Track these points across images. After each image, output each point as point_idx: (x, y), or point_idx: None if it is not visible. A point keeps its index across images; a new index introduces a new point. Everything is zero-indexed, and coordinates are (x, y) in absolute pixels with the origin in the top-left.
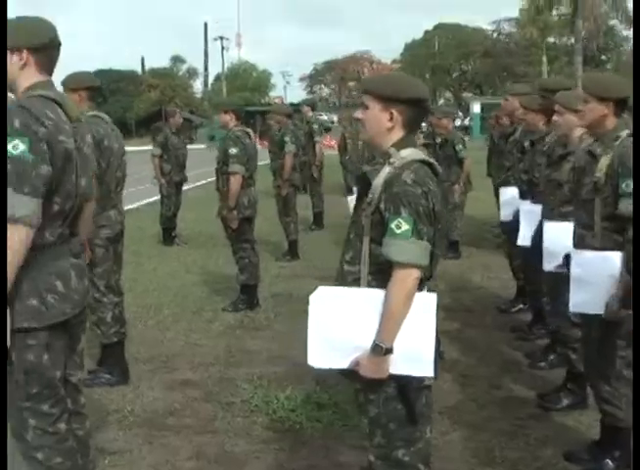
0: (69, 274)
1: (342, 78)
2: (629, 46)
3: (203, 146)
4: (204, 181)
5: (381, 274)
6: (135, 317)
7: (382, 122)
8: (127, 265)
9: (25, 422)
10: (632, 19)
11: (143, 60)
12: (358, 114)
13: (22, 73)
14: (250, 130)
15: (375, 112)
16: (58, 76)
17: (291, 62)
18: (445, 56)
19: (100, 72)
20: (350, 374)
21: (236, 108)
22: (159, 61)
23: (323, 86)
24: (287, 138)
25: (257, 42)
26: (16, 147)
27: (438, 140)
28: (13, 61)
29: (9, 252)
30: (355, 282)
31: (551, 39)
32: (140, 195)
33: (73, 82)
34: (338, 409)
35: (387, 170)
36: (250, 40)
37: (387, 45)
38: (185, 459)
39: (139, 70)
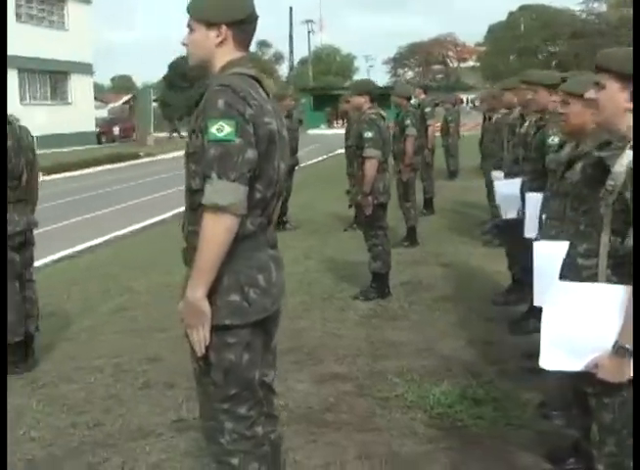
0: (269, 266)
1: (427, 61)
2: None
3: None
4: (302, 165)
5: (621, 269)
6: None
7: (619, 103)
8: None
9: (221, 425)
10: (632, 18)
11: None
12: (591, 93)
13: (220, 51)
14: (383, 113)
15: (611, 92)
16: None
17: (374, 45)
18: (531, 37)
19: (184, 58)
20: (581, 378)
21: (370, 89)
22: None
23: (407, 69)
24: (408, 121)
25: (341, 26)
26: (220, 129)
27: None
28: (210, 37)
29: (213, 243)
30: (592, 277)
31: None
32: None
33: None
34: (498, 406)
35: (629, 155)
36: (333, 24)
37: (470, 28)
38: (353, 458)
39: None
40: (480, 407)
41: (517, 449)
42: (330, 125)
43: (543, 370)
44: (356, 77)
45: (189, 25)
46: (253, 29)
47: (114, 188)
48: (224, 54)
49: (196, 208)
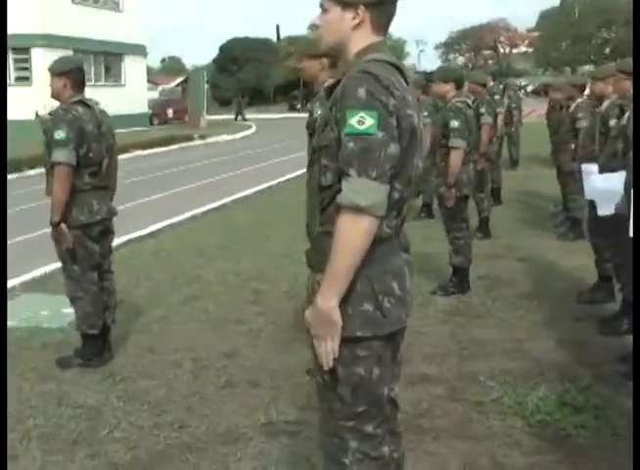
0: (404, 272)
1: (478, 46)
2: None
3: None
4: None
5: None
6: None
7: None
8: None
9: (345, 444)
10: (632, 18)
11: (278, 28)
12: None
13: (355, 34)
14: (469, 101)
15: None
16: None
17: (425, 30)
18: (585, 24)
19: (234, 41)
20: None
21: (457, 77)
22: (295, 29)
23: (457, 55)
24: (483, 109)
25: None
26: (361, 121)
27: None
28: (345, 19)
29: (349, 247)
30: None
31: None
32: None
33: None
34: (599, 414)
35: None
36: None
37: (522, 13)
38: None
39: (274, 38)
40: (581, 415)
41: (629, 462)
42: None
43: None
44: (406, 62)
45: (321, 5)
46: (393, 11)
47: (169, 171)
48: (360, 38)
49: (325, 206)
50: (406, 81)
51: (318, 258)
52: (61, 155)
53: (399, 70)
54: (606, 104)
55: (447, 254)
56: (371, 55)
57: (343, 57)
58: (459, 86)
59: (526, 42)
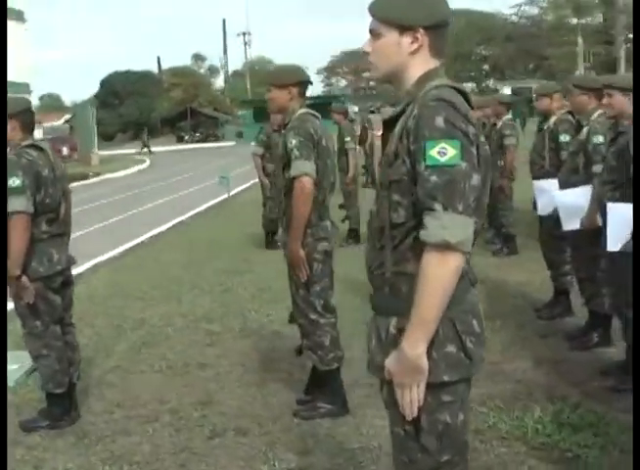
0: (479, 309)
1: (359, 69)
2: None
3: (231, 143)
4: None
5: None
6: None
7: None
8: (251, 275)
9: None
10: (633, 18)
11: (159, 59)
12: None
13: (414, 59)
14: None
15: None
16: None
17: (306, 55)
18: (464, 42)
19: (115, 75)
20: None
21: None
22: (177, 60)
23: (339, 78)
24: (507, 131)
25: (272, 37)
26: (443, 152)
27: None
28: (403, 43)
29: (439, 288)
30: None
31: (574, 20)
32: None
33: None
34: (598, 431)
35: None
36: (265, 35)
37: None
38: None
39: (155, 69)
40: (580, 434)
41: None
42: None
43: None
44: None
45: (372, 30)
46: (447, 35)
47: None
48: (420, 63)
49: (397, 244)
50: (471, 106)
51: (391, 301)
52: (18, 203)
53: (464, 95)
54: (553, 120)
55: None
56: (434, 81)
57: (400, 85)
58: None
59: None
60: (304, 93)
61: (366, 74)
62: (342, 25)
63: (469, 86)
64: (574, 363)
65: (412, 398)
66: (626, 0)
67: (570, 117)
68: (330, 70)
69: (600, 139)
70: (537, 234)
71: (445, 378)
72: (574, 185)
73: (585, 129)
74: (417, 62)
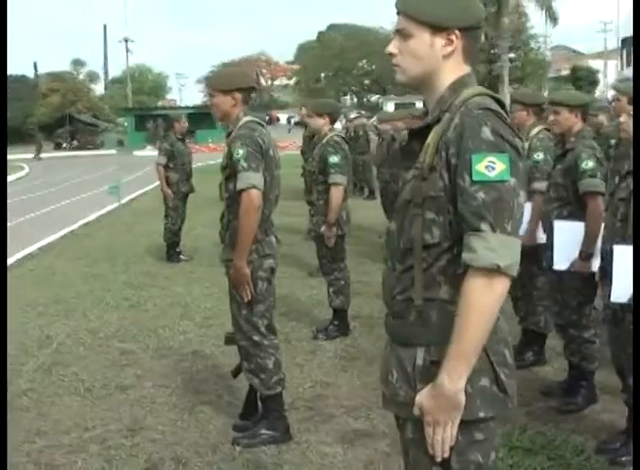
0: (508, 337)
1: None
2: (537, 44)
3: (112, 151)
4: (145, 189)
5: None
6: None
7: None
8: (157, 290)
9: None
10: (632, 18)
11: (35, 65)
12: None
13: (447, 63)
14: (343, 135)
15: None
16: None
17: (187, 64)
18: (345, 56)
19: None
20: None
21: (332, 110)
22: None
23: None
24: None
25: (152, 44)
26: (491, 167)
27: None
28: (436, 45)
29: (485, 315)
30: None
31: None
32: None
33: None
34: (551, 454)
35: None
36: (147, 43)
37: (280, 46)
38: None
39: (31, 74)
40: (534, 457)
41: None
42: (154, 146)
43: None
44: (169, 97)
45: (400, 30)
46: (479, 39)
47: None
48: (453, 68)
49: (427, 268)
50: (508, 117)
51: (418, 330)
52: None
53: (502, 105)
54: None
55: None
56: (470, 88)
57: (429, 91)
58: (334, 120)
59: (288, 75)
60: (249, 99)
61: None
62: (221, 36)
63: (348, 100)
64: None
65: (445, 436)
66: (510, 18)
67: (547, 133)
68: None
69: (540, 156)
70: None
71: (481, 414)
72: None
73: (525, 145)
74: (449, 66)
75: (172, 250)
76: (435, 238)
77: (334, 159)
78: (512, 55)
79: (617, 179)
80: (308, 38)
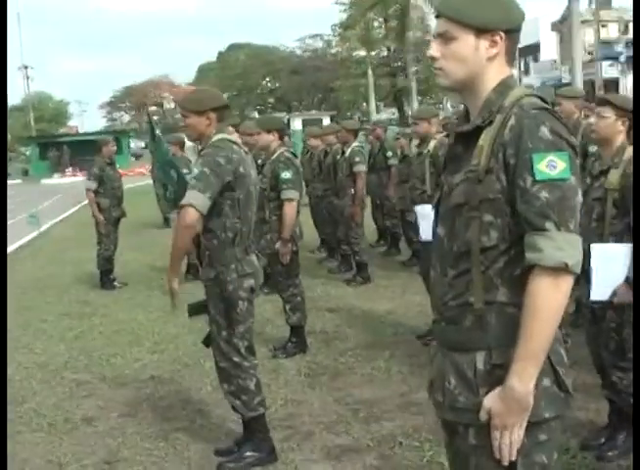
0: (561, 337)
1: (142, 103)
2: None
3: (18, 181)
4: (62, 216)
5: None
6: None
7: None
8: (99, 318)
9: None
10: (632, 18)
11: None
12: None
13: (491, 66)
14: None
15: None
16: None
17: (87, 90)
18: (249, 75)
19: None
20: None
21: (280, 126)
22: None
23: (123, 113)
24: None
25: (52, 72)
26: (552, 165)
27: None
28: (481, 48)
29: (553, 315)
30: None
31: (362, 53)
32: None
33: None
34: None
35: None
36: (44, 70)
37: (181, 69)
38: None
39: None
40: None
41: None
42: (62, 174)
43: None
44: (71, 123)
45: (443, 33)
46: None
47: None
48: (496, 71)
49: (484, 271)
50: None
51: (476, 334)
52: None
53: (551, 104)
54: (432, 144)
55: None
56: (516, 90)
57: (472, 94)
58: (282, 136)
59: None
60: (223, 118)
61: (152, 108)
62: (121, 61)
63: (253, 116)
64: None
65: (512, 439)
66: (415, 34)
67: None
68: (113, 105)
69: None
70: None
71: (546, 415)
72: None
73: None
74: (494, 68)
75: (106, 277)
76: (493, 240)
77: (286, 174)
78: (414, 68)
79: (588, 180)
80: (208, 59)
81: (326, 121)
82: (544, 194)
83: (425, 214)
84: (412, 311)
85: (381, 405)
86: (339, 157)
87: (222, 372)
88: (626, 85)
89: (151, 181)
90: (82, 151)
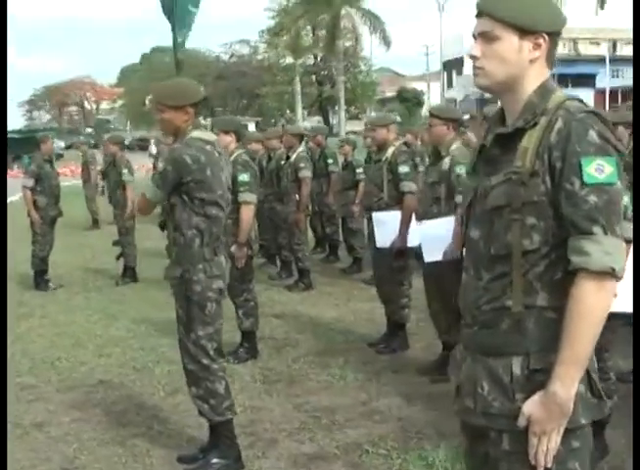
0: None
1: (63, 103)
2: (366, 66)
3: None
4: None
5: None
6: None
7: None
8: (37, 320)
9: None
10: (632, 18)
11: None
12: None
13: (533, 68)
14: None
15: None
16: None
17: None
18: (173, 78)
19: None
20: None
21: (238, 128)
22: None
23: (43, 112)
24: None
25: None
26: (600, 169)
27: None
28: (524, 49)
29: (597, 319)
30: None
31: (289, 60)
32: None
33: None
34: None
35: None
36: None
37: (103, 70)
38: None
39: None
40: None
41: None
42: None
43: None
44: None
45: (486, 32)
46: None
47: None
48: (537, 73)
49: (524, 274)
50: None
51: (513, 338)
52: None
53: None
54: (390, 151)
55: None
56: (559, 92)
57: (512, 96)
58: (239, 137)
59: (114, 98)
60: (199, 112)
61: (72, 109)
62: (43, 60)
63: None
64: (445, 397)
65: (550, 446)
66: (345, 43)
67: (406, 147)
68: (32, 104)
69: (463, 170)
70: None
71: (583, 421)
72: (436, 216)
73: (447, 159)
74: (535, 71)
75: (40, 278)
76: (535, 244)
77: (243, 177)
78: (342, 78)
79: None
80: (131, 61)
81: (251, 127)
82: (592, 198)
83: (382, 221)
84: (360, 319)
85: (342, 413)
86: (283, 162)
87: (190, 375)
88: None
89: (76, 181)
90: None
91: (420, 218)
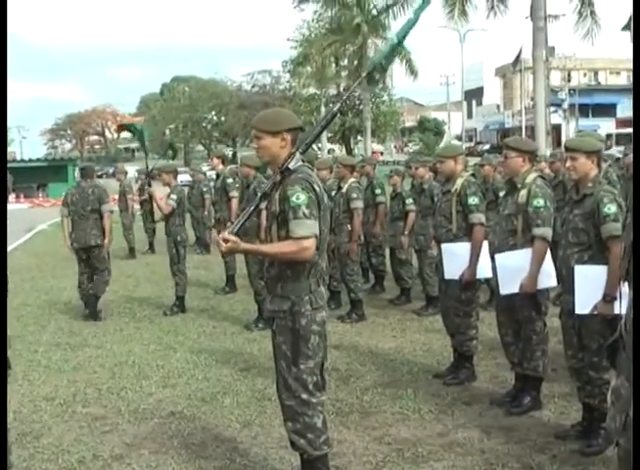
0: None
1: (84, 132)
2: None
3: None
4: (15, 244)
5: None
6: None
7: None
8: (93, 350)
9: None
10: (632, 18)
11: None
12: None
13: None
14: None
15: None
16: None
17: (28, 116)
18: (193, 107)
19: None
20: None
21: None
22: None
23: (64, 141)
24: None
25: None
26: None
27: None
28: None
29: None
30: None
31: (312, 90)
32: None
33: None
34: None
35: None
36: None
37: (122, 98)
38: None
39: None
40: None
41: None
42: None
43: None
44: (10, 150)
45: None
46: None
47: None
48: None
49: None
50: None
51: None
52: None
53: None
54: (459, 182)
55: None
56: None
57: None
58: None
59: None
60: (296, 140)
61: (93, 138)
62: (63, 88)
63: (200, 150)
64: (524, 429)
65: None
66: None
67: (474, 179)
68: (54, 133)
69: (541, 202)
70: None
71: None
72: (512, 248)
73: (524, 192)
74: None
75: (92, 307)
76: None
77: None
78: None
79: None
80: (149, 90)
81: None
82: None
83: (452, 253)
84: (419, 350)
85: (424, 445)
86: (334, 192)
87: (288, 410)
88: (569, 131)
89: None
90: (25, 177)
91: (495, 250)
